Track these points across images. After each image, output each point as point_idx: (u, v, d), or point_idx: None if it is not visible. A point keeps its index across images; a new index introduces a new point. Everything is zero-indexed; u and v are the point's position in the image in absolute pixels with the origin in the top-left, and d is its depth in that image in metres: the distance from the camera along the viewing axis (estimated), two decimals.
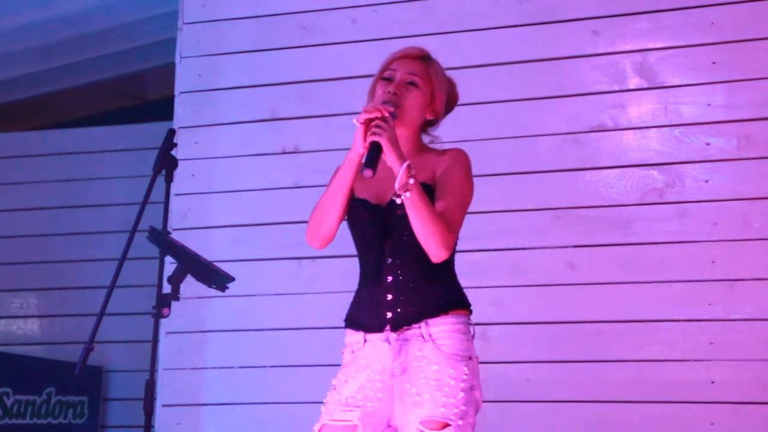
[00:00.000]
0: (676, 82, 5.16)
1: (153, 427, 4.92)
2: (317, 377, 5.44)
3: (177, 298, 4.14)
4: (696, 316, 4.97)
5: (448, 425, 3.31)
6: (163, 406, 5.64)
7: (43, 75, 7.81)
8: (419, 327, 3.40)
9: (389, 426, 3.44)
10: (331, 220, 3.55)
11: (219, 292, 4.27)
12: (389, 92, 3.50)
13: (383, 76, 3.56)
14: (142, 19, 7.15)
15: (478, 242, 5.21)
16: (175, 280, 4.10)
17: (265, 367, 5.53)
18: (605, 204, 5.17)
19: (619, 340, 5.06)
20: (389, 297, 3.44)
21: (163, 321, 4.31)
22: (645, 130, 5.19)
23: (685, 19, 5.17)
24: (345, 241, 5.45)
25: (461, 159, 3.53)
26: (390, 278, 3.45)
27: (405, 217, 3.34)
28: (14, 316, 7.82)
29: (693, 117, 5.11)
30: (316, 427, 3.47)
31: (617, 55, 5.25)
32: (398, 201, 3.31)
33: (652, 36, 5.22)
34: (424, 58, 3.59)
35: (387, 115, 3.36)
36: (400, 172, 3.27)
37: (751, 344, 4.85)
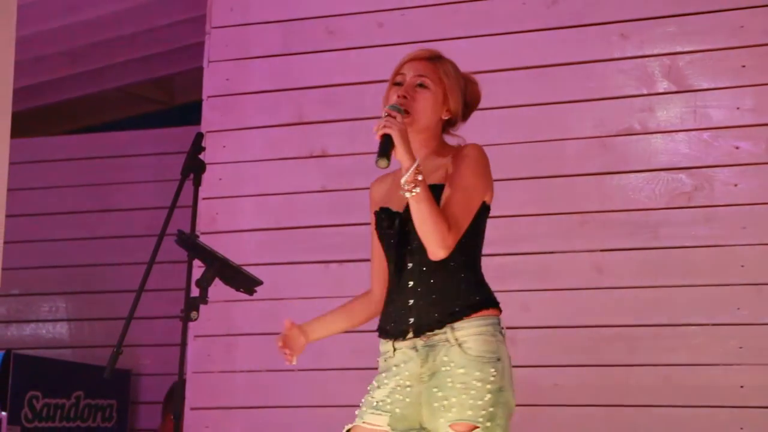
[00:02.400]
0: (705, 86, 5.15)
1: (182, 430, 4.91)
2: (345, 381, 5.46)
3: (205, 302, 4.15)
4: (725, 320, 4.95)
5: (476, 428, 3.31)
6: (192, 409, 5.65)
7: (71, 80, 7.84)
8: (444, 332, 3.40)
9: (422, 429, 3.44)
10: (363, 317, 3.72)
11: (247, 296, 4.27)
12: (399, 96, 3.50)
13: (394, 82, 3.58)
14: (169, 23, 7.17)
15: (506, 246, 5.20)
16: (204, 283, 4.11)
17: (293, 370, 5.53)
18: (633, 208, 5.16)
19: (647, 345, 5.04)
20: (411, 302, 3.45)
21: (191, 324, 4.32)
22: (673, 133, 5.17)
23: (713, 22, 5.15)
24: (370, 244, 5.44)
25: (471, 154, 3.49)
26: (411, 283, 3.46)
27: None
28: (43, 320, 7.86)
29: (722, 120, 5.10)
30: (347, 427, 3.49)
31: (645, 59, 5.24)
32: (406, 195, 3.30)
33: (680, 39, 5.20)
34: (432, 58, 3.59)
35: (391, 113, 3.37)
36: (410, 169, 3.28)
37: None
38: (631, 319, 5.07)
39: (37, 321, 7.86)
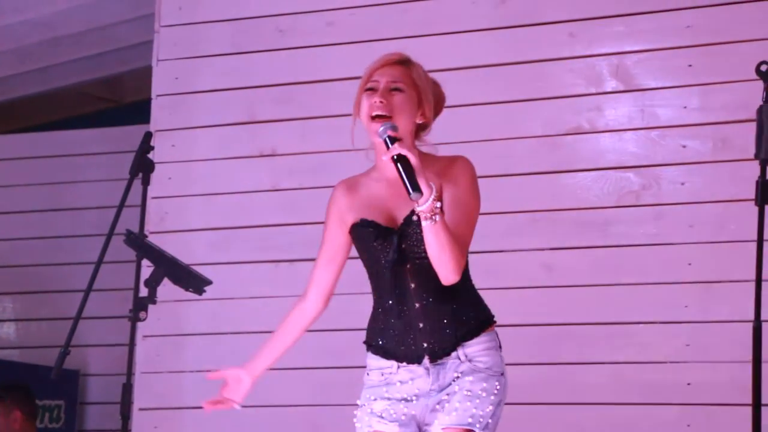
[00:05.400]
0: (653, 85, 5.18)
1: (130, 430, 4.90)
2: (297, 381, 5.45)
3: (154, 302, 4.15)
4: (672, 318, 4.99)
5: (471, 431, 3.31)
6: (140, 409, 5.63)
7: (19, 78, 7.78)
8: (456, 350, 3.37)
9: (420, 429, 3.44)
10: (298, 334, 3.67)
11: (196, 296, 4.27)
12: (376, 102, 3.40)
13: (367, 87, 3.46)
14: (118, 21, 7.13)
15: None
16: (152, 283, 4.11)
17: None
18: (582, 206, 5.18)
19: (595, 343, 5.07)
20: (421, 325, 3.38)
21: (140, 324, 4.31)
22: (621, 132, 5.20)
23: (661, 23, 5.18)
24: None
25: (467, 171, 3.46)
26: (418, 305, 3.39)
27: (422, 238, 3.28)
28: None
29: (669, 119, 5.13)
30: None
31: (594, 58, 5.26)
32: (424, 223, 3.22)
33: (628, 39, 5.23)
34: (404, 62, 3.53)
35: (397, 135, 3.28)
36: (430, 198, 3.19)
37: (727, 346, 4.86)
38: (580, 317, 5.10)
39: None
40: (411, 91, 3.47)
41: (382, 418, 3.40)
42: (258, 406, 5.49)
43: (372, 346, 3.46)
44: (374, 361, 3.45)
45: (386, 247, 3.40)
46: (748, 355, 3.74)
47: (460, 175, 3.44)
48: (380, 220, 3.43)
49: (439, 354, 3.37)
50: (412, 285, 3.39)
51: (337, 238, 3.54)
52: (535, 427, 5.07)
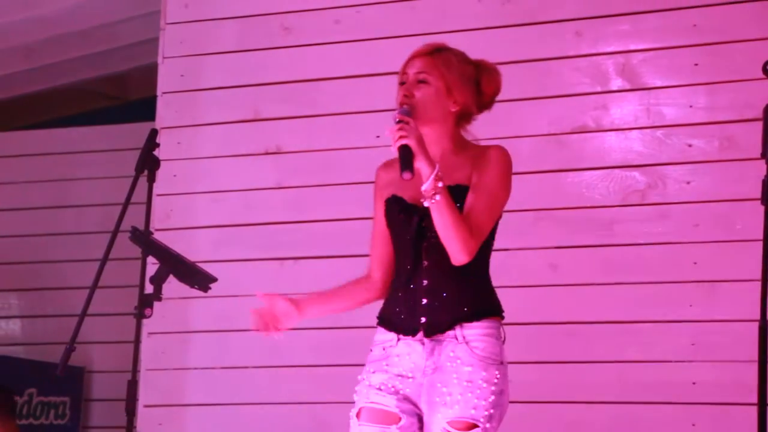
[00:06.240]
0: (658, 84, 5.18)
1: (135, 427, 4.90)
2: (299, 378, 5.46)
3: (159, 299, 4.14)
4: (677, 317, 4.98)
5: (476, 426, 3.35)
6: (145, 406, 5.63)
7: (25, 75, 7.79)
8: (453, 330, 3.41)
9: (417, 416, 3.45)
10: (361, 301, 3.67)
11: (201, 293, 4.26)
12: (403, 96, 3.49)
13: (400, 82, 3.54)
14: (124, 19, 7.14)
15: None
16: (158, 280, 4.10)
17: (247, 367, 5.52)
18: (587, 205, 5.18)
19: (600, 341, 5.07)
20: (424, 301, 3.44)
21: (145, 321, 4.31)
22: (627, 131, 5.20)
23: (666, 21, 5.18)
24: (326, 241, 5.47)
25: (500, 159, 3.52)
26: (426, 282, 3.45)
27: None
28: None
29: (675, 118, 5.13)
30: (353, 411, 3.48)
31: (599, 57, 5.26)
32: (425, 204, 3.31)
33: (634, 37, 5.23)
34: (431, 52, 3.57)
35: (403, 118, 3.35)
36: (430, 178, 3.28)
37: (732, 345, 4.86)
38: (585, 316, 5.10)
39: None
40: (436, 80, 3.52)
41: (380, 390, 3.45)
42: (262, 404, 5.49)
43: (381, 318, 3.53)
44: (379, 335, 3.52)
45: (406, 225, 3.47)
46: (754, 355, 3.73)
47: (490, 163, 3.51)
48: (407, 197, 3.50)
49: (433, 330, 3.42)
50: (425, 263, 3.46)
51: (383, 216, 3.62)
52: (540, 426, 5.07)
